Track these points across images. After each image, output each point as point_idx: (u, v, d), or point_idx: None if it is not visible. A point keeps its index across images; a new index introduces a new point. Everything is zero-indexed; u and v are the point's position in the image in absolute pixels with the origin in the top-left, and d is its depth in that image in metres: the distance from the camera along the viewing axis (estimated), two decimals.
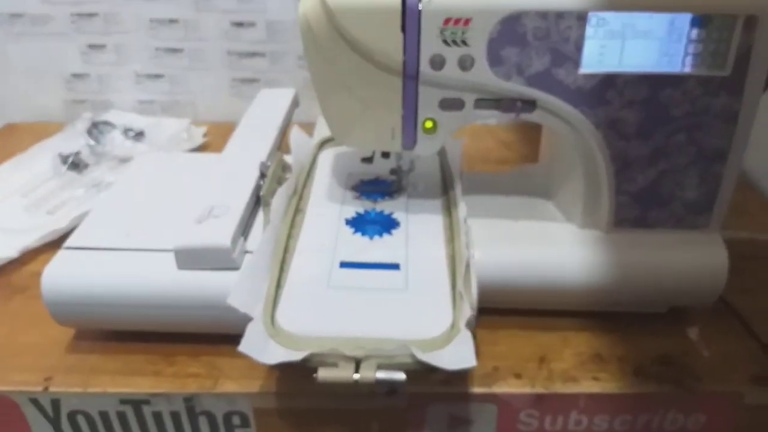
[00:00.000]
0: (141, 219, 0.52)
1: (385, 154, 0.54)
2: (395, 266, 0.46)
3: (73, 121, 0.77)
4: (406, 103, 0.45)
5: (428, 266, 0.46)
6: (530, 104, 0.44)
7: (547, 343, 0.48)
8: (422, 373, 0.38)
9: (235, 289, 0.40)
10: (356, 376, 0.37)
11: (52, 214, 0.62)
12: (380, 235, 0.49)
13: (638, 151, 0.45)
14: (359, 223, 0.51)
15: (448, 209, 0.52)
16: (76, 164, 0.71)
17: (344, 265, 0.46)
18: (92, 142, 0.75)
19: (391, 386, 0.37)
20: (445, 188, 0.56)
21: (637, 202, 0.47)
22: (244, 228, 0.49)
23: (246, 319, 0.40)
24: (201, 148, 0.79)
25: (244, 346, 0.37)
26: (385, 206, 0.53)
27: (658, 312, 0.50)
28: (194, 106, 0.88)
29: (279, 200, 0.50)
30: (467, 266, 0.44)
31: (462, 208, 0.50)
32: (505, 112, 0.45)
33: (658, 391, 0.44)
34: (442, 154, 0.61)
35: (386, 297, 0.43)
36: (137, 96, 0.88)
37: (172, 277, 0.45)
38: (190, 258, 0.45)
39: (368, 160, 0.55)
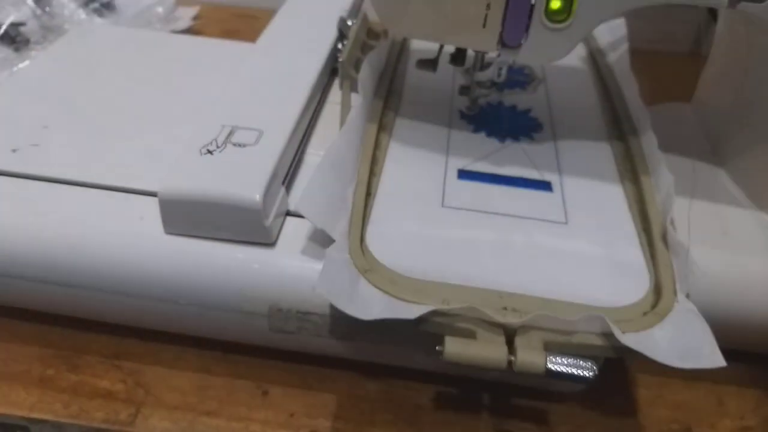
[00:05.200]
0: (97, 134, 0.35)
1: (457, 58, 0.35)
2: (545, 185, 0.33)
3: None
4: None
5: (597, 194, 0.32)
6: None
7: (691, 405, 0.32)
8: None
9: (307, 193, 0.28)
10: (512, 359, 0.24)
11: None
12: (515, 138, 0.36)
13: None
14: (482, 118, 0.37)
15: (619, 132, 0.37)
16: (12, 38, 0.54)
17: (464, 175, 0.33)
18: (38, 11, 0.56)
19: (564, 377, 0.24)
20: (609, 112, 0.40)
21: None
22: (288, 170, 0.31)
23: (257, 333, 0.29)
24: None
25: (322, 285, 0.25)
26: (517, 99, 0.39)
27: None
28: None
29: (368, 74, 0.36)
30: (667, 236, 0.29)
31: (651, 139, 0.34)
32: None
33: None
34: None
35: (536, 231, 0.30)
36: None
37: (149, 243, 0.29)
38: (185, 215, 0.28)
39: (428, 64, 0.36)
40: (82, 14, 0.57)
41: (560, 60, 0.30)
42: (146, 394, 0.30)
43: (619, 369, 0.33)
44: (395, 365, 0.31)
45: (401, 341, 0.28)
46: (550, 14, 0.28)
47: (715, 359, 0.23)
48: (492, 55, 0.32)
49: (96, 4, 0.58)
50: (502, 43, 0.29)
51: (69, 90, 0.38)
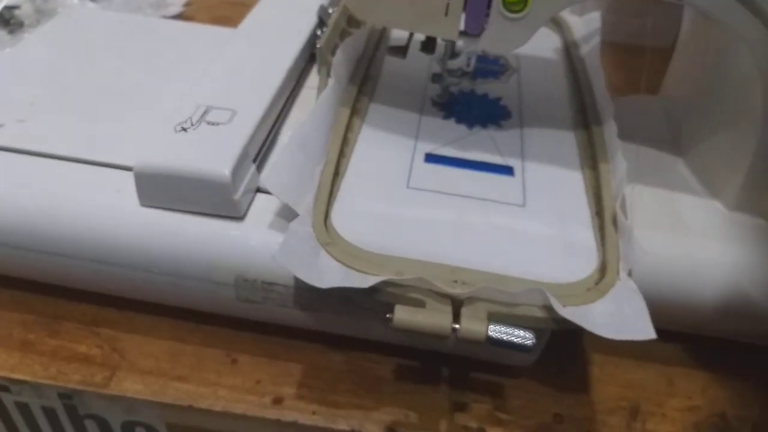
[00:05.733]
0: (81, 112, 0.36)
1: (428, 45, 0.36)
2: (507, 170, 0.34)
3: None
4: None
5: (556, 179, 0.34)
6: None
7: (641, 384, 0.33)
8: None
9: (273, 168, 0.29)
10: (456, 327, 0.26)
11: None
12: (483, 125, 0.37)
13: None
14: (453, 105, 0.39)
15: (584, 121, 0.38)
16: (6, 21, 0.55)
17: (431, 158, 0.35)
18: None
19: (504, 345, 0.26)
20: (577, 101, 0.41)
21: None
22: (259, 148, 0.33)
23: (225, 302, 0.30)
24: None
25: (282, 255, 0.26)
26: (489, 88, 0.41)
27: None
28: None
29: (341, 59, 0.36)
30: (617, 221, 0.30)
31: (612, 128, 0.35)
32: None
33: None
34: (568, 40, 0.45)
35: (494, 212, 0.31)
36: None
37: (124, 215, 0.31)
38: (158, 189, 0.30)
39: (398, 51, 0.38)
40: None
41: (532, 51, 0.31)
42: (121, 359, 0.32)
43: (574, 347, 0.35)
44: (358, 338, 0.32)
45: (360, 312, 0.30)
46: (508, 4, 0.29)
47: (647, 332, 0.25)
48: (460, 43, 0.33)
49: None
50: (465, 32, 0.31)
51: (57, 70, 0.40)
